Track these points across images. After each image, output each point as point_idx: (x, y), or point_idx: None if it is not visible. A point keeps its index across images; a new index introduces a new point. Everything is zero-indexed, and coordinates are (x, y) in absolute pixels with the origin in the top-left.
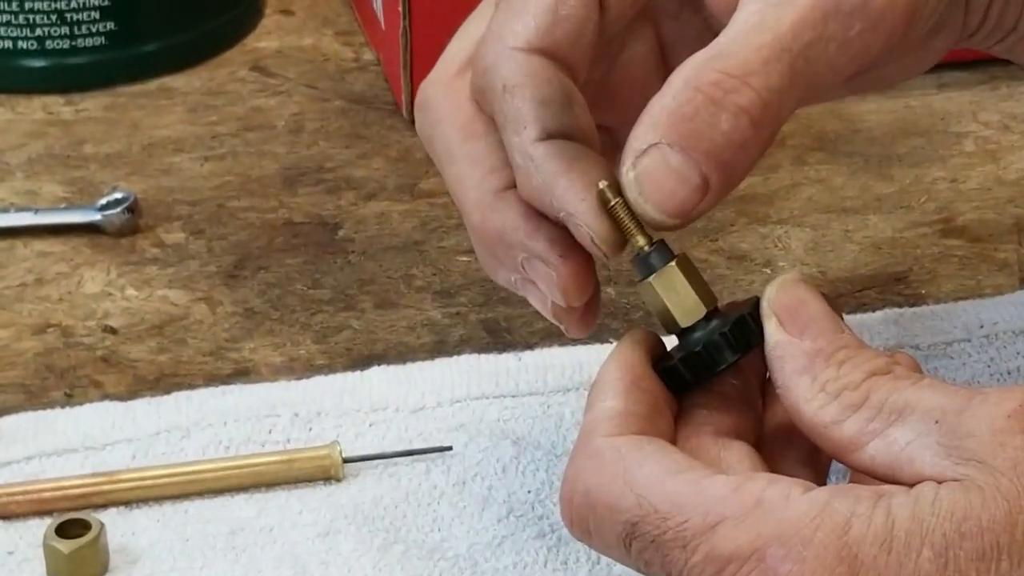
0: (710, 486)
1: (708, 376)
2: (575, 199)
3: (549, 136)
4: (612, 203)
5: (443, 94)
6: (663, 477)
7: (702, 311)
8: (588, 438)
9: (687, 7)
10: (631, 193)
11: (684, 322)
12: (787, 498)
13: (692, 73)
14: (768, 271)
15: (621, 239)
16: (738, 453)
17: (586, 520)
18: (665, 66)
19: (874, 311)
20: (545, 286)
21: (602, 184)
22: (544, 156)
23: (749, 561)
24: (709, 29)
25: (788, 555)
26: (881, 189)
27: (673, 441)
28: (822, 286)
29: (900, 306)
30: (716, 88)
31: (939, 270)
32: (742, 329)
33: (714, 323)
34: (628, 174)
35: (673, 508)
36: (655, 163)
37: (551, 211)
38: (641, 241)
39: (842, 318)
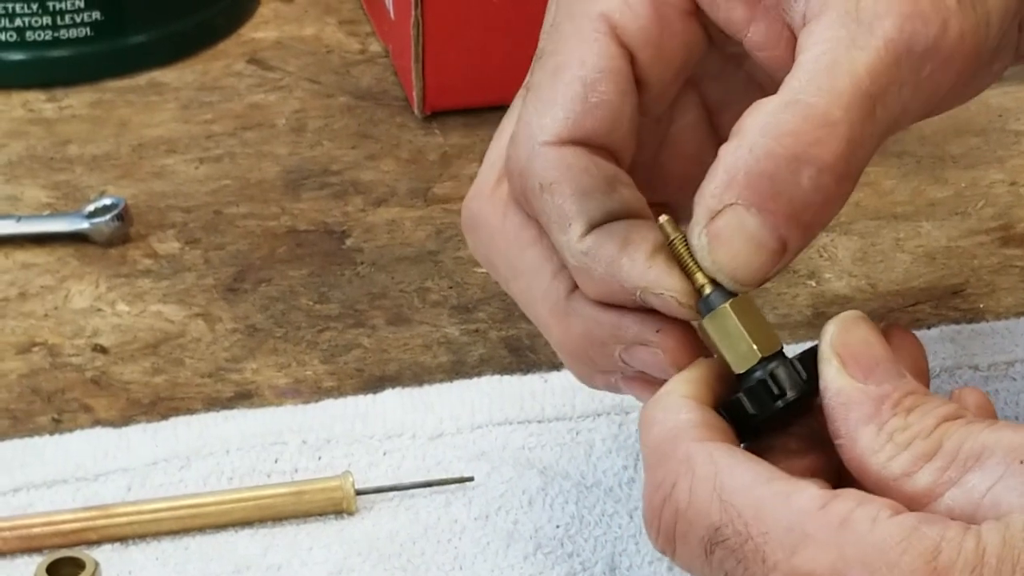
0: (798, 499)
1: (772, 409)
2: (643, 270)
3: (596, 226)
4: (672, 239)
5: (489, 208)
6: (752, 485)
7: (756, 357)
8: (674, 444)
9: (729, 65)
10: (702, 259)
11: (738, 368)
12: (874, 520)
13: (769, 121)
14: (813, 283)
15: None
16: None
17: (672, 528)
18: (714, 131)
19: (928, 328)
20: (654, 368)
21: (663, 219)
22: (595, 245)
23: None
24: (754, 83)
25: None
26: (934, 193)
27: None
28: (871, 300)
29: (957, 322)
30: (797, 141)
31: (999, 282)
32: (808, 364)
33: (775, 363)
34: (700, 237)
35: (757, 517)
36: (730, 227)
37: (625, 297)
38: (700, 280)
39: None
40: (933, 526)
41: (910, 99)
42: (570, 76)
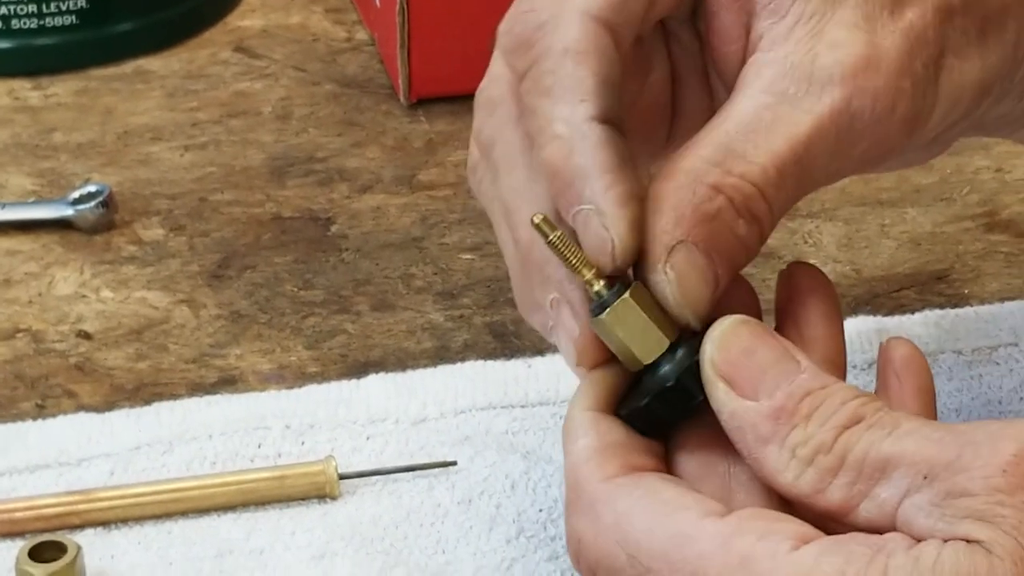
0: (698, 539)
1: (689, 408)
2: (613, 202)
3: (604, 120)
4: (551, 237)
5: (510, 94)
6: (652, 529)
7: (664, 344)
8: (576, 488)
9: (694, 38)
10: (665, 288)
11: (646, 358)
12: (773, 557)
13: (708, 169)
14: None
15: (634, 258)
16: (750, 469)
17: (594, 574)
18: (676, 92)
19: (913, 313)
20: (564, 340)
21: (537, 218)
22: (598, 140)
23: None
24: (712, 65)
25: None
26: (920, 180)
27: (665, 458)
28: (856, 285)
29: (941, 307)
30: (736, 192)
31: (983, 267)
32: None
33: (681, 352)
34: (667, 272)
35: (662, 567)
36: (686, 264)
37: (567, 198)
38: (588, 275)
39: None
40: (835, 559)
41: (838, 169)
42: None
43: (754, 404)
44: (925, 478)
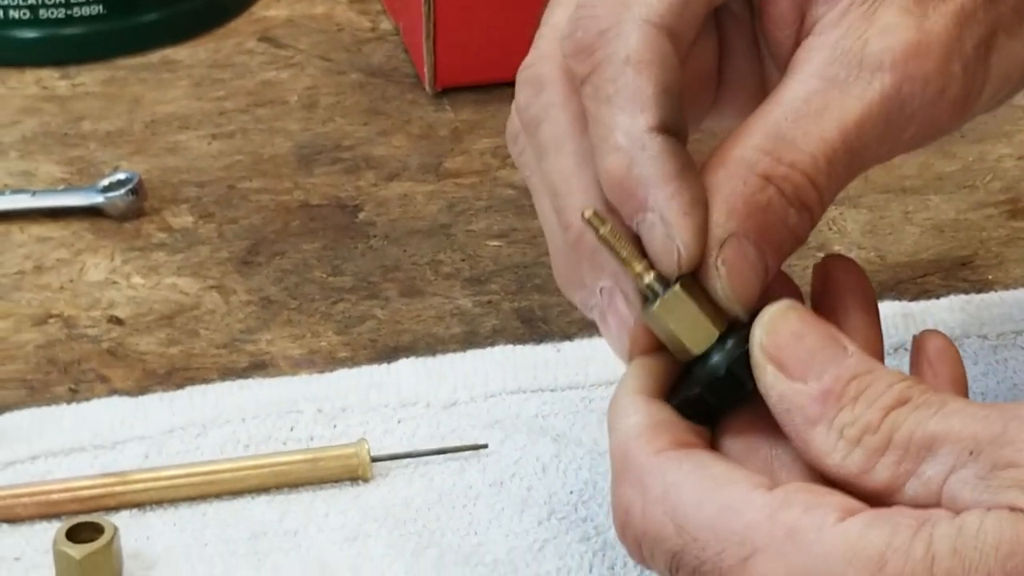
0: (745, 511)
1: (739, 397)
2: (677, 211)
3: (664, 129)
4: (602, 232)
5: (559, 75)
6: (700, 501)
7: (714, 336)
8: (625, 461)
9: (745, 7)
10: (716, 282)
11: (697, 349)
12: (820, 528)
13: (759, 158)
14: (822, 255)
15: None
16: (792, 451)
17: (638, 549)
18: (721, 64)
19: (938, 298)
20: (615, 328)
21: (588, 212)
22: (660, 151)
23: None
24: (766, 48)
25: None
26: (943, 167)
27: (712, 439)
28: (880, 271)
29: (966, 292)
30: (786, 182)
31: (1007, 254)
32: None
33: (731, 343)
34: (718, 267)
35: (710, 537)
36: (738, 257)
37: (631, 207)
38: (638, 268)
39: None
40: (881, 531)
41: (886, 153)
42: None
43: (803, 386)
44: (971, 454)
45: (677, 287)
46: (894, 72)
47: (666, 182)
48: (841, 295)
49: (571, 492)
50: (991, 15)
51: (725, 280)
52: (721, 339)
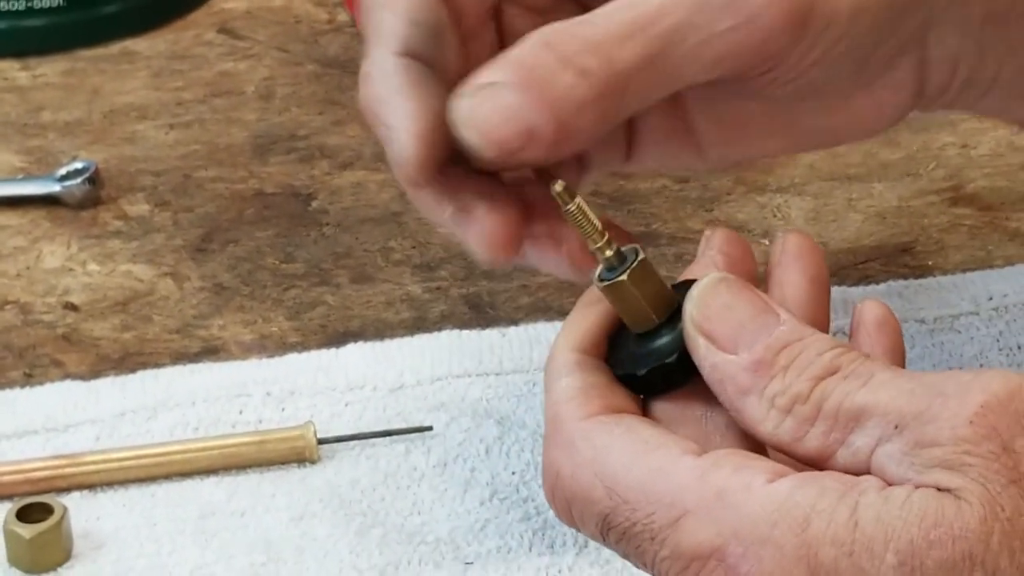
0: (675, 473)
1: (684, 381)
2: (402, 116)
3: (407, 54)
4: (570, 207)
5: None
6: (631, 464)
7: (653, 323)
8: (555, 424)
9: None
10: (456, 115)
11: (637, 329)
12: (748, 489)
13: (549, 31)
14: (766, 242)
15: (433, 168)
16: (727, 415)
17: (568, 512)
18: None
19: (878, 283)
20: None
21: (559, 187)
22: (393, 69)
23: (711, 560)
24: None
25: (746, 554)
26: (887, 155)
27: (645, 403)
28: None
29: (905, 278)
30: (566, 47)
31: (947, 240)
32: None
33: (680, 327)
34: (460, 100)
35: (640, 499)
36: (489, 96)
37: (375, 127)
38: (600, 242)
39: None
40: (807, 493)
41: (701, 49)
42: None
43: (734, 357)
44: (896, 428)
45: (624, 277)
46: None
47: (394, 95)
48: (790, 266)
49: (513, 473)
50: None
51: (463, 112)
52: (671, 319)
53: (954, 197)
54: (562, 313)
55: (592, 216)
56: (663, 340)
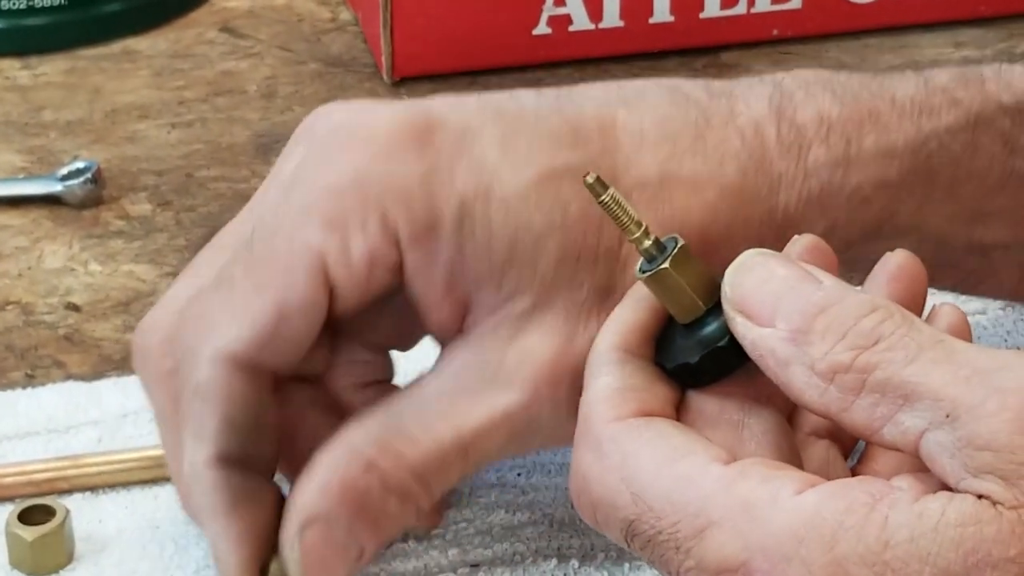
0: (702, 482)
1: (736, 365)
2: (225, 548)
3: (222, 461)
4: (603, 197)
5: (161, 350)
6: (657, 471)
7: (700, 310)
8: (586, 424)
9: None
10: (292, 567)
11: (684, 320)
12: (775, 502)
13: (369, 441)
14: None
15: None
16: (764, 422)
17: (593, 516)
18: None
19: None
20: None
21: (591, 178)
22: (211, 486)
23: (736, 574)
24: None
25: (772, 571)
26: None
27: (677, 407)
28: None
29: None
30: (388, 474)
31: None
32: None
33: (720, 316)
34: (293, 547)
35: (666, 507)
36: (320, 538)
37: (199, 527)
38: (637, 232)
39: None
40: (835, 507)
41: (515, 452)
42: (272, 297)
43: (771, 330)
44: (948, 416)
45: (666, 265)
46: (524, 391)
47: (215, 517)
48: (880, 287)
49: (519, 474)
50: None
51: (298, 559)
52: (719, 305)
53: None
54: None
55: (628, 206)
56: (712, 326)
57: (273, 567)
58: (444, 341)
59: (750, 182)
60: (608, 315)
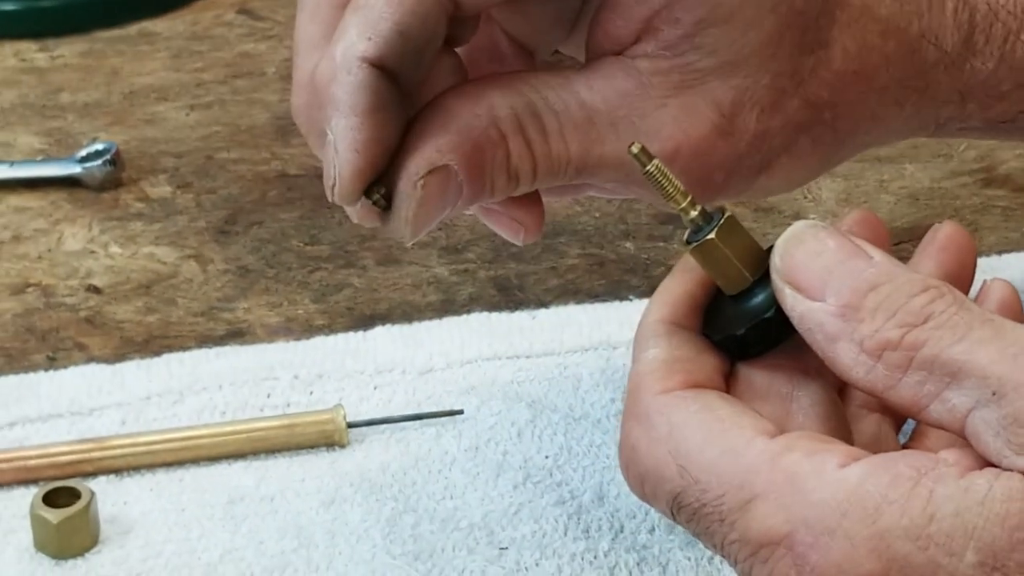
0: (747, 455)
1: (782, 337)
2: (349, 145)
3: (380, 64)
4: (648, 167)
5: None
6: (704, 443)
7: (747, 281)
8: (635, 396)
9: None
10: (405, 201)
11: (729, 290)
12: (819, 475)
13: (508, 117)
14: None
15: (358, 199)
16: (813, 395)
17: (641, 487)
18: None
19: None
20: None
21: (636, 148)
22: (360, 82)
23: (780, 547)
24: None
25: (815, 543)
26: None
27: (727, 378)
28: None
29: None
30: (516, 154)
31: (981, 222)
32: None
33: (767, 288)
34: (416, 186)
35: (711, 480)
36: (439, 186)
37: (322, 115)
38: (683, 203)
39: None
40: (879, 480)
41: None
42: None
43: (821, 304)
44: (994, 394)
45: (712, 235)
46: (665, 148)
47: (352, 113)
48: (930, 258)
49: (546, 457)
50: (788, 141)
51: (419, 196)
52: (766, 275)
53: (987, 178)
54: (591, 295)
55: (673, 176)
56: (759, 298)
57: (376, 194)
58: (597, 54)
59: (923, 47)
60: (768, 118)
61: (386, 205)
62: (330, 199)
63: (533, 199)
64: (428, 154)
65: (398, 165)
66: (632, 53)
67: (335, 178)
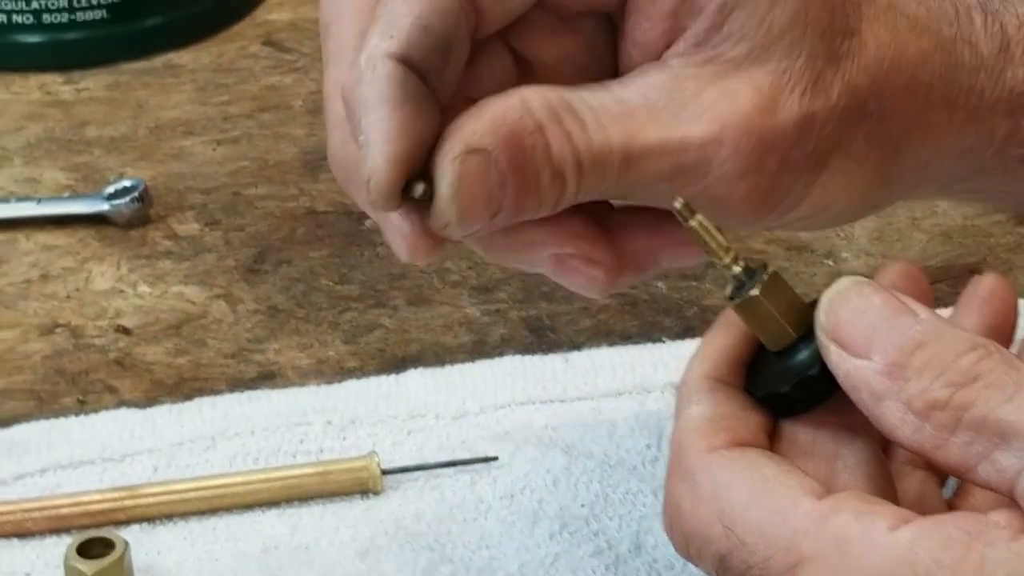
0: (794, 516)
1: (828, 394)
2: (380, 136)
3: (404, 58)
4: (691, 222)
5: None
6: (750, 503)
7: (791, 337)
8: (680, 454)
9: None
10: (446, 181)
11: (774, 347)
12: (868, 538)
13: (544, 107)
14: (830, 263)
15: (398, 198)
16: (859, 453)
17: (686, 546)
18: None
19: (946, 306)
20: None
21: (679, 203)
22: (385, 76)
23: None
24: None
25: None
26: None
27: (770, 435)
28: None
29: None
30: (556, 144)
31: (1015, 260)
32: None
33: (810, 345)
34: (454, 164)
35: (758, 541)
36: (477, 169)
37: (352, 123)
38: (727, 259)
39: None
40: (930, 545)
41: (665, 191)
42: None
43: (866, 362)
44: None
45: (756, 291)
46: (709, 128)
47: (379, 105)
48: (972, 311)
49: (582, 505)
50: (838, 133)
51: (458, 173)
52: (810, 332)
53: (1020, 216)
54: (624, 336)
55: (715, 232)
56: (803, 354)
57: (417, 187)
58: (630, 68)
59: (959, 49)
60: (810, 100)
61: (429, 199)
62: (369, 204)
63: (603, 237)
64: (464, 136)
65: (435, 157)
66: (665, 57)
67: (370, 174)
